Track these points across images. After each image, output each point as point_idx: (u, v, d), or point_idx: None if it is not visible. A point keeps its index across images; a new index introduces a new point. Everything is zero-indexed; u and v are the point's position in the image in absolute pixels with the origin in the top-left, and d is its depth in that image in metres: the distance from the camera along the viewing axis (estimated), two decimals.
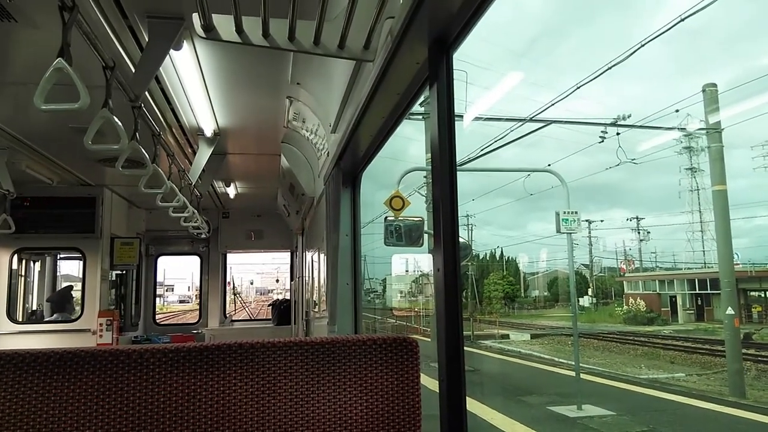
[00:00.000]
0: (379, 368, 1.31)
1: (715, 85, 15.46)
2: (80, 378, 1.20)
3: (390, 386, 1.31)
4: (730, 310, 13.93)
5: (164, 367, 1.24)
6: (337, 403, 1.28)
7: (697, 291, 35.05)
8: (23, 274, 7.08)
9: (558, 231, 11.65)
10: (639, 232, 49.96)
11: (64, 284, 7.83)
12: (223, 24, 1.81)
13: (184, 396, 1.23)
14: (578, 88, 12.91)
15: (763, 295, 31.56)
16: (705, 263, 42.24)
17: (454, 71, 1.94)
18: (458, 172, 1.93)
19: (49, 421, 1.17)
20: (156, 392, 1.22)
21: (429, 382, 1.82)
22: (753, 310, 30.95)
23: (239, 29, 1.82)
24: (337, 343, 1.31)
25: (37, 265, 7.62)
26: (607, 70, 12.37)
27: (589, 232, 49.61)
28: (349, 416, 1.28)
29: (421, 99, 2.51)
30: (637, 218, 51.09)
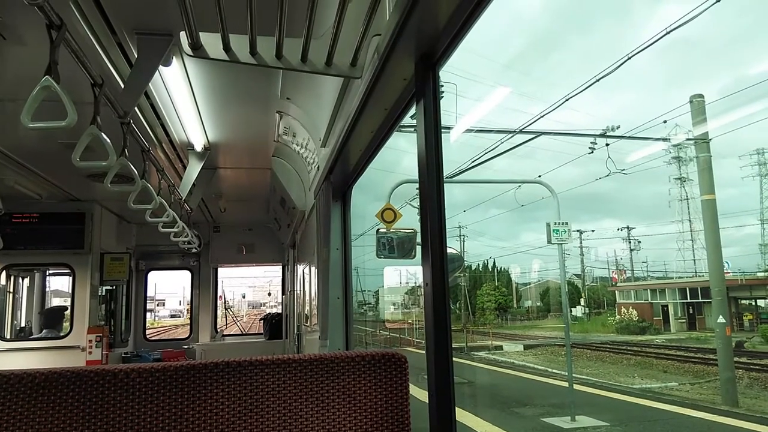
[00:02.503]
0: (369, 384, 1.31)
1: (702, 95, 15.65)
2: (66, 398, 1.20)
3: (379, 401, 1.31)
4: (721, 319, 13.99)
5: (151, 387, 1.23)
6: (326, 419, 1.28)
7: (689, 300, 35.19)
8: (11, 290, 7.02)
9: (549, 242, 11.70)
10: (630, 242, 50.27)
11: (59, 303, 7.75)
12: (211, 42, 1.83)
13: (171, 416, 1.23)
14: (567, 99, 13.01)
15: (753, 303, 31.76)
16: (696, 272, 42.53)
17: (443, 85, 1.97)
18: (450, 184, 1.94)
19: None
20: (142, 412, 1.21)
21: (423, 395, 1.83)
22: (744, 318, 31.12)
23: (227, 47, 1.83)
24: (326, 360, 1.31)
25: (26, 281, 7.54)
26: (595, 81, 12.49)
27: (581, 242, 49.86)
28: None
29: (412, 112, 2.53)
30: (627, 228, 51.43)
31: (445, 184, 1.97)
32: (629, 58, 11.38)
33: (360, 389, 1.31)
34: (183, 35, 1.80)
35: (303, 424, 1.27)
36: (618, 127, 15.68)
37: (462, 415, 10.87)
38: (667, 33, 10.96)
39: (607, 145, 15.54)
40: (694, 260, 44.98)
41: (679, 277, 42.41)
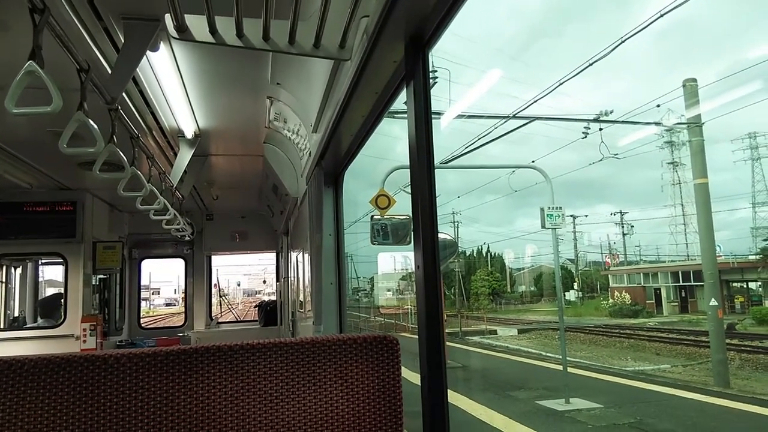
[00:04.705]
0: (361, 367, 1.31)
1: (695, 80, 15.66)
2: (56, 384, 1.19)
3: (372, 384, 1.31)
4: (713, 302, 14.12)
5: (142, 372, 1.22)
6: (318, 402, 1.28)
7: (681, 283, 35.48)
8: (4, 280, 6.98)
9: (543, 226, 11.74)
10: (623, 226, 50.50)
11: (54, 291, 7.71)
12: (197, 24, 1.80)
13: (162, 400, 1.22)
14: (561, 83, 12.98)
15: (745, 286, 32.06)
16: (688, 256, 42.81)
17: (435, 70, 1.95)
18: (445, 170, 1.93)
19: (23, 429, 1.16)
20: (133, 397, 1.21)
21: (418, 379, 1.84)
22: (736, 300, 31.44)
23: (213, 29, 1.81)
24: (318, 343, 1.31)
25: (18, 271, 7.50)
26: (588, 66, 12.44)
27: (574, 227, 50.06)
28: (331, 415, 1.28)
29: (404, 99, 2.51)
30: (620, 212, 51.65)
31: (439, 170, 1.96)
32: (623, 41, 11.36)
33: (353, 372, 1.31)
34: (168, 17, 1.77)
35: (296, 407, 1.27)
36: (611, 112, 15.69)
37: (457, 399, 10.97)
38: (661, 16, 10.92)
39: (601, 129, 15.56)
40: (687, 244, 45.27)
41: (672, 261, 42.72)
